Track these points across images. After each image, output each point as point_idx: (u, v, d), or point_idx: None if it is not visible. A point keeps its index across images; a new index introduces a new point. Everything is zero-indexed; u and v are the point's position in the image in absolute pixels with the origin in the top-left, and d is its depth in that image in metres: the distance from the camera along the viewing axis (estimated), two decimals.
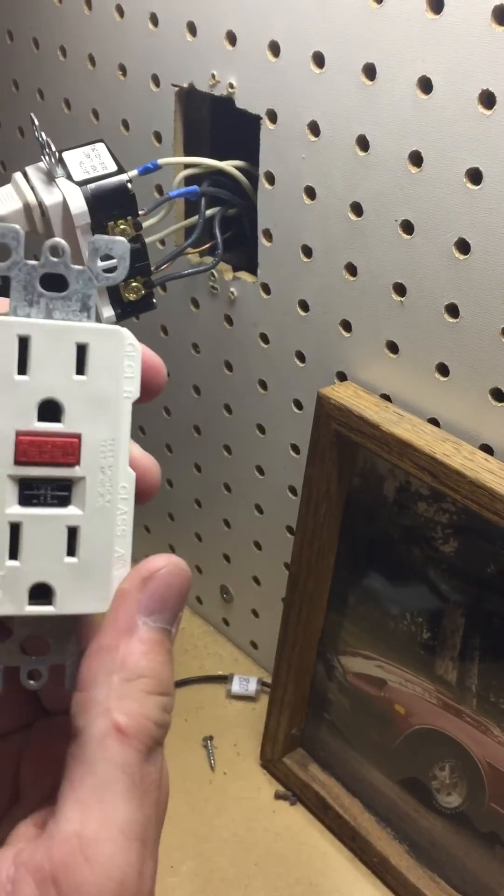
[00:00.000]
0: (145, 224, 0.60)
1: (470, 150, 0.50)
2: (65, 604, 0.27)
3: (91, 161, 0.57)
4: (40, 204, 0.56)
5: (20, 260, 0.26)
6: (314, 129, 0.58)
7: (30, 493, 0.27)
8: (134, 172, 0.58)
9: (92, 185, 0.56)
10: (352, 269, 0.60)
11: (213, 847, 0.69)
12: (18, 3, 0.77)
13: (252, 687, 0.81)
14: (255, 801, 0.73)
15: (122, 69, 0.70)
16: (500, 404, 0.55)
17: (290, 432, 0.70)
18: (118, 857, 0.24)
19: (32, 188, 0.56)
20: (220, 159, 0.64)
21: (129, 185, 0.56)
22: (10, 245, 0.25)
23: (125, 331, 0.28)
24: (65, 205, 0.55)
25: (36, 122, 0.57)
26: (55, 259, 0.26)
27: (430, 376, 0.58)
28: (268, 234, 0.65)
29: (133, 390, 0.28)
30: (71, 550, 0.27)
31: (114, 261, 0.27)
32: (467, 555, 0.58)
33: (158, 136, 0.70)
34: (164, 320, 0.77)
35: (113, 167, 0.57)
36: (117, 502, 0.27)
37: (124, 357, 0.27)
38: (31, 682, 0.28)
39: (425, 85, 0.51)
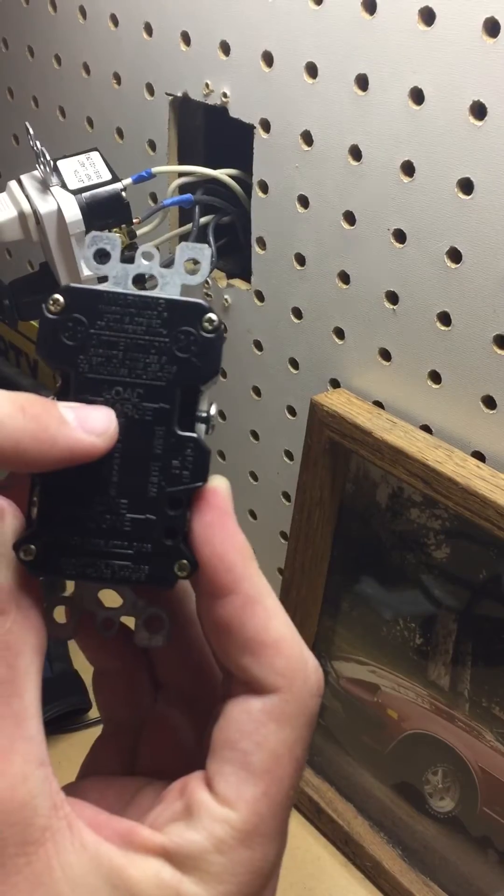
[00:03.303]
0: (140, 232, 0.60)
1: (461, 160, 0.51)
2: None
3: (85, 169, 0.57)
4: (35, 212, 0.57)
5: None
6: (307, 138, 0.59)
7: None
8: (128, 181, 0.58)
9: (86, 194, 0.56)
10: (345, 278, 0.60)
11: None
12: (13, 11, 0.78)
13: None
14: None
15: (117, 78, 0.71)
16: (491, 411, 0.55)
17: (283, 439, 0.71)
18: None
19: (27, 196, 0.57)
20: (214, 168, 0.64)
21: (123, 193, 0.57)
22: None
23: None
24: (59, 213, 0.56)
25: (31, 131, 0.57)
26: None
27: (423, 384, 0.58)
28: (261, 242, 0.65)
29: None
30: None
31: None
32: (459, 560, 0.59)
33: (153, 145, 0.70)
34: None
35: (107, 175, 0.57)
36: None
37: None
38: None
39: (417, 96, 0.52)
